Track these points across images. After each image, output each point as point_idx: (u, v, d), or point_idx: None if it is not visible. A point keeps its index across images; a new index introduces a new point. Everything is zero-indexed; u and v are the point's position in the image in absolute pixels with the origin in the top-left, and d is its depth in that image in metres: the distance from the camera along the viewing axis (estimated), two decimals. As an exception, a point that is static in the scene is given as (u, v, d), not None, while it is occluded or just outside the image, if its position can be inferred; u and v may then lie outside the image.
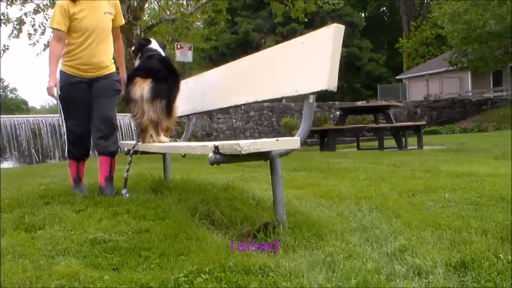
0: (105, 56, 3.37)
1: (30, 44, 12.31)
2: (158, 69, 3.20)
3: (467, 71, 22.69)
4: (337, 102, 16.91)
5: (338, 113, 12.64)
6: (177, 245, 1.89)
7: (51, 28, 3.25)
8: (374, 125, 9.97)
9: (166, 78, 3.18)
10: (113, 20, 3.43)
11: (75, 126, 3.35)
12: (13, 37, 12.00)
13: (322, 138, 9.02)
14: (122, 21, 3.55)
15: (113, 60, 3.51)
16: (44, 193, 3.17)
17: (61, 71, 3.35)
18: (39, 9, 11.94)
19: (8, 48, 12.25)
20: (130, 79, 3.21)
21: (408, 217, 2.25)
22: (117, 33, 3.55)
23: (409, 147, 8.29)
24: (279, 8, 12.32)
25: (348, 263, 1.60)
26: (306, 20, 12.98)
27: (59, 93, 3.27)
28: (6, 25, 11.77)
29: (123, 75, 3.56)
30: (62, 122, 3.38)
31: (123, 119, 10.56)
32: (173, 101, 3.21)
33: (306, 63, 2.26)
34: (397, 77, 30.16)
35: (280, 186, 2.10)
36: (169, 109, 3.17)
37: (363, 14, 36.90)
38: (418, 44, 30.89)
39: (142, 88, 3.09)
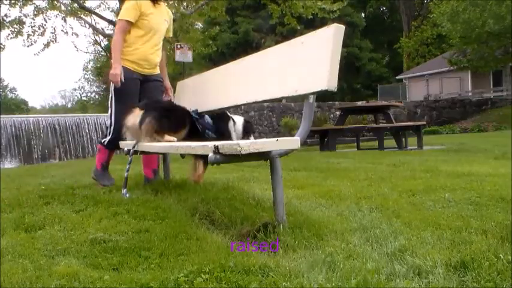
0: (158, 57, 3.72)
1: (26, 45, 12.25)
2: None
3: (467, 71, 22.70)
4: (337, 102, 16.92)
5: (338, 113, 12.64)
6: (177, 245, 1.89)
7: (122, 20, 3.51)
8: (374, 125, 9.96)
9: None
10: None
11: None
12: (11, 38, 11.95)
13: (322, 138, 9.02)
14: (170, 34, 3.89)
15: None
16: (44, 193, 3.16)
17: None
18: (39, 11, 11.91)
19: (4, 48, 12.22)
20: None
21: (408, 217, 2.25)
22: (163, 44, 3.85)
23: (409, 147, 8.29)
24: (276, 10, 12.33)
25: (348, 263, 1.60)
26: (307, 20, 12.94)
27: (113, 85, 3.51)
28: (8, 27, 11.72)
29: (167, 82, 3.92)
30: (112, 112, 3.61)
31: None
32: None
33: (306, 63, 2.26)
34: (397, 77, 30.17)
35: (280, 186, 2.10)
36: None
37: (363, 14, 36.89)
38: (418, 44, 30.90)
39: None
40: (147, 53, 3.60)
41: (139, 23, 3.53)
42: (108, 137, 3.65)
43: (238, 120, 3.40)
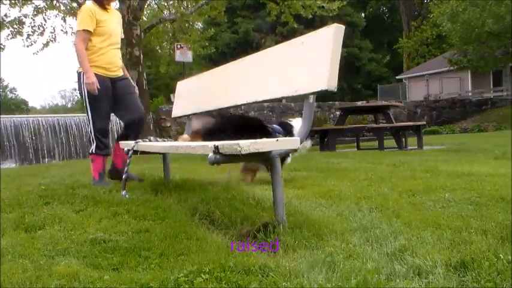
0: (120, 59, 3.86)
1: (26, 45, 12.25)
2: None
3: (467, 71, 22.71)
4: (337, 102, 16.90)
5: (338, 113, 12.63)
6: (177, 245, 1.89)
7: (80, 30, 3.58)
8: (374, 125, 9.96)
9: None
10: None
11: (105, 123, 3.74)
12: (11, 38, 11.96)
13: (322, 138, 9.02)
14: (122, 35, 3.97)
15: None
16: (44, 193, 3.16)
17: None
18: (39, 11, 11.92)
19: (4, 48, 12.22)
20: None
21: (408, 217, 2.25)
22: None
23: (409, 147, 8.28)
24: (274, 8, 12.35)
25: (348, 263, 1.59)
26: (306, 20, 12.94)
27: (86, 93, 3.58)
28: (8, 28, 11.73)
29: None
30: (89, 120, 3.70)
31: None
32: None
33: (306, 63, 2.26)
34: (397, 77, 30.19)
35: (280, 186, 2.10)
36: None
37: (363, 14, 36.88)
38: (418, 44, 30.91)
39: None
40: (111, 55, 3.72)
41: (97, 30, 3.63)
42: (93, 145, 3.72)
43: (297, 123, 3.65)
